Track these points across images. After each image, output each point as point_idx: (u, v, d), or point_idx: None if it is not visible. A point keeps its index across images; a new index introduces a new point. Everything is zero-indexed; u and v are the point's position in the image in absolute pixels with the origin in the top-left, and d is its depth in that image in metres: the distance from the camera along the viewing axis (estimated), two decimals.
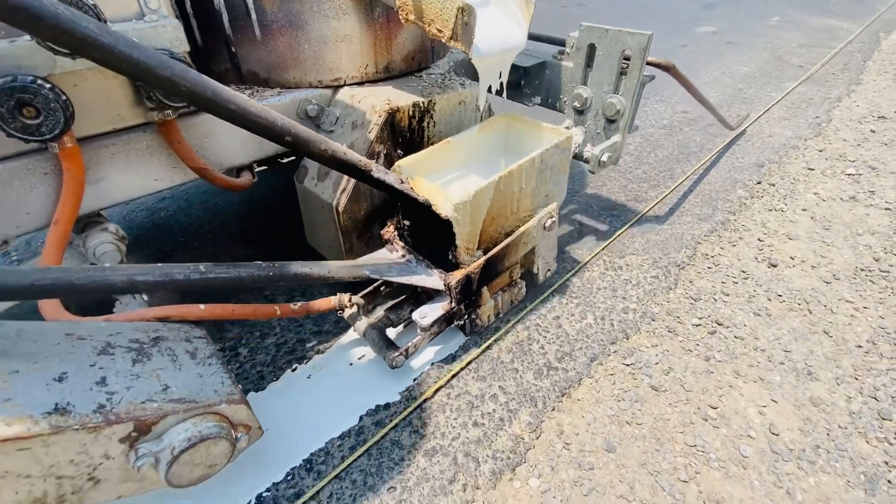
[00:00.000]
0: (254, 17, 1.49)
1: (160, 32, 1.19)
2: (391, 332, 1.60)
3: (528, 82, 2.13)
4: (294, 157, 2.01)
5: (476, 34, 1.27)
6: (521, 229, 1.57)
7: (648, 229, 2.19)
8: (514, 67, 1.99)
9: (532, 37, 2.20)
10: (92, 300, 1.60)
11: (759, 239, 2.13)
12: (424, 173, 1.54)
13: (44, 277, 0.84)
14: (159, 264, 1.00)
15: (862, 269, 1.94)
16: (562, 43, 2.06)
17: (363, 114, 1.56)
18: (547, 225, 1.64)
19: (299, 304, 1.40)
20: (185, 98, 0.95)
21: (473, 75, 2.01)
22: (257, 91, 1.60)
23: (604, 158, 1.80)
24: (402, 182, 1.36)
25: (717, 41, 5.34)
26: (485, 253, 1.49)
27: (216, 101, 0.97)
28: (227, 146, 1.50)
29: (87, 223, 1.35)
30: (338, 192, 1.57)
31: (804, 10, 6.78)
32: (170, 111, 1.29)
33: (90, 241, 1.31)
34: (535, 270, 1.75)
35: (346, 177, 1.55)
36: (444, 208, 1.31)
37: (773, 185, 2.57)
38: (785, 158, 2.85)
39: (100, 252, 1.30)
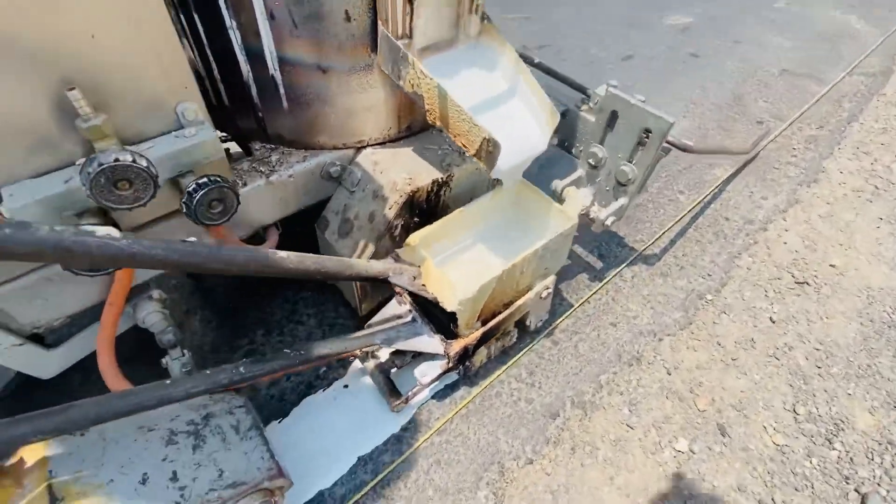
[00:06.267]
0: (282, 91, 1.52)
1: (198, 146, 1.22)
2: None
3: None
4: None
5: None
6: (519, 302, 1.72)
7: None
8: None
9: (552, 73, 2.18)
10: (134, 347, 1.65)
11: None
12: (436, 244, 1.66)
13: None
14: None
15: None
16: (582, 89, 2.02)
17: (383, 187, 1.64)
18: (543, 296, 1.79)
19: None
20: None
21: None
22: (283, 153, 1.64)
23: (608, 222, 1.87)
24: (414, 280, 1.52)
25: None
26: (483, 324, 1.65)
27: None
28: (257, 211, 1.61)
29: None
30: (356, 252, 1.69)
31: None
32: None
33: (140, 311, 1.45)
34: (528, 322, 1.90)
35: (365, 240, 1.67)
36: (449, 305, 1.47)
37: None
38: None
39: (149, 322, 1.44)
